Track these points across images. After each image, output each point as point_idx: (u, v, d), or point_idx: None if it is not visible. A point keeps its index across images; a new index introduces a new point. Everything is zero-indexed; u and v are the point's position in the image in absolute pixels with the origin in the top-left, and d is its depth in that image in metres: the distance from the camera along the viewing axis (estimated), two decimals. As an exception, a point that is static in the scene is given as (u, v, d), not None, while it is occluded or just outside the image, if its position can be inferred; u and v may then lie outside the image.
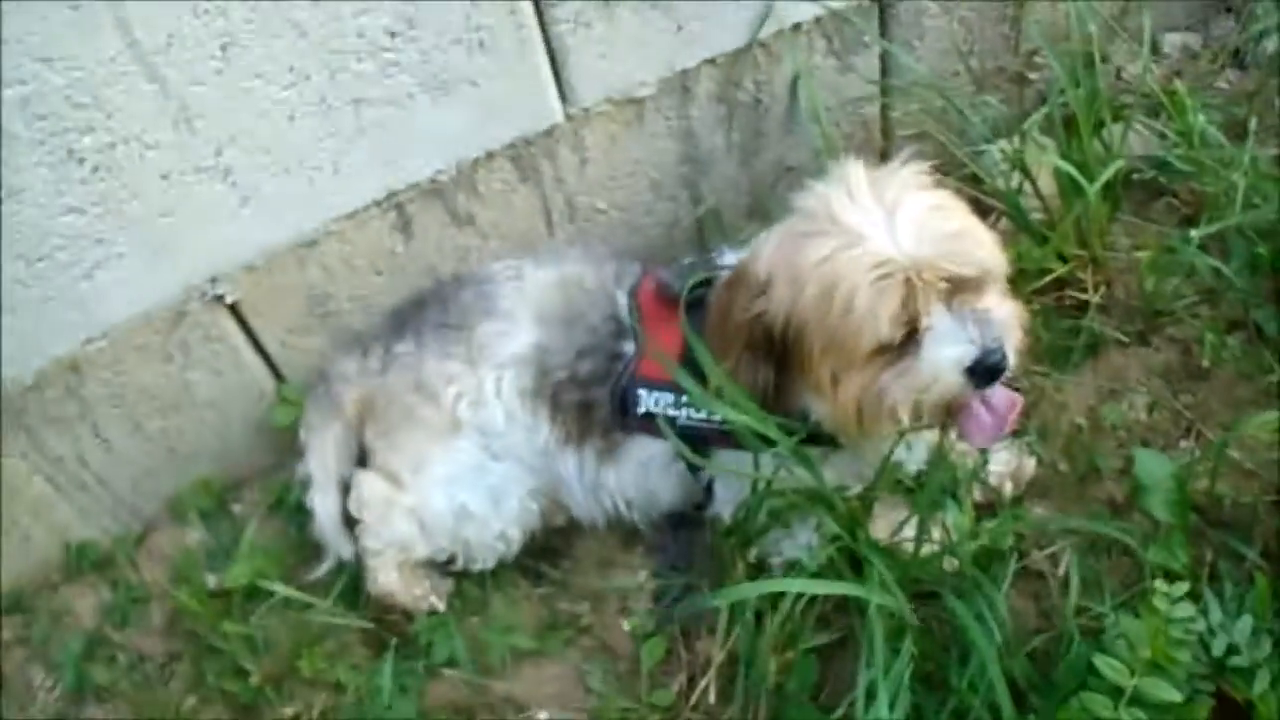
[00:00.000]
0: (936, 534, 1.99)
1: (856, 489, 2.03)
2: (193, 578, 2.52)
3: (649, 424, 2.14)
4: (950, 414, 1.89)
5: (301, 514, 2.51)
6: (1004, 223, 2.57)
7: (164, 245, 2.27)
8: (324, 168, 2.29)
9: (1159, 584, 1.69)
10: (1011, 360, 1.82)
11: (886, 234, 1.79)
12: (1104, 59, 2.81)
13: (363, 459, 2.43)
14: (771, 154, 2.73)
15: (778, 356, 1.92)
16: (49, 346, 2.31)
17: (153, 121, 2.10)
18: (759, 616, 2.04)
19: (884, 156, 2.66)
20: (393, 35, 2.17)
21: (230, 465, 2.70)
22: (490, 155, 2.43)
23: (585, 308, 2.26)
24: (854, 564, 1.98)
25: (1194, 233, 2.35)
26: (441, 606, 2.41)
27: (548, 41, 2.32)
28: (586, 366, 2.22)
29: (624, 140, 2.55)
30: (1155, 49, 3.04)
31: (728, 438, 2.00)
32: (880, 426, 1.88)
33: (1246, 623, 1.76)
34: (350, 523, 2.41)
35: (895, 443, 1.94)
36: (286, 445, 2.54)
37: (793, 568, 2.06)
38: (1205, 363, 2.35)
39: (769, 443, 1.92)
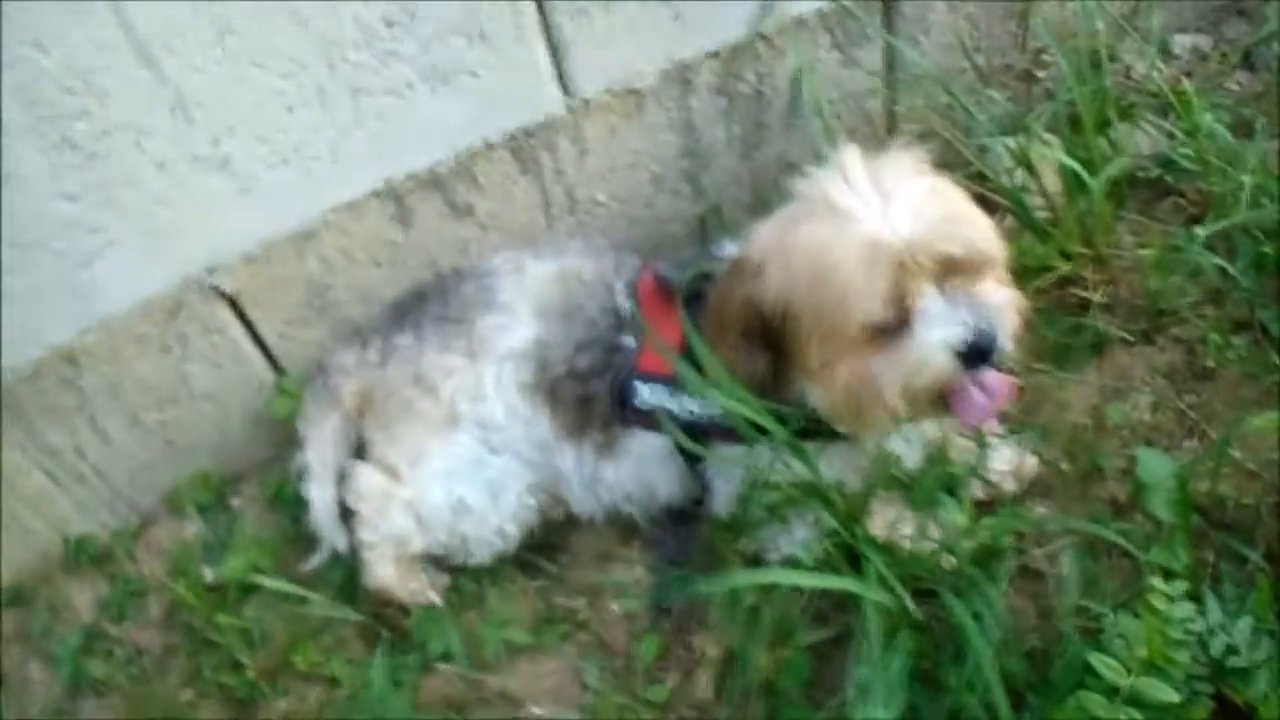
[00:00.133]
0: (935, 531, 1.96)
1: (855, 483, 2.00)
2: (189, 571, 2.51)
3: (647, 418, 2.13)
4: (943, 401, 1.86)
5: (299, 506, 2.49)
6: (1009, 220, 2.55)
7: (161, 235, 2.26)
8: (322, 158, 2.28)
9: (1157, 583, 1.68)
10: (1005, 344, 1.80)
11: (880, 215, 1.78)
12: (1112, 58, 2.79)
13: (361, 451, 2.41)
14: (774, 148, 2.71)
15: (773, 343, 1.90)
16: (46, 336, 2.30)
17: (148, 109, 2.09)
18: (755, 613, 2.02)
19: (887, 151, 2.64)
20: (391, 25, 2.16)
21: (228, 458, 2.69)
22: (490, 146, 2.42)
23: (584, 301, 2.25)
24: (851, 560, 1.95)
25: (1199, 230, 2.32)
26: (438, 601, 2.39)
27: (547, 32, 2.31)
28: (585, 360, 2.21)
29: (624, 132, 2.53)
30: (1165, 49, 3.02)
31: (726, 432, 1.99)
32: (874, 413, 1.85)
33: (1246, 623, 1.73)
34: (346, 515, 2.40)
35: (889, 435, 1.93)
36: (285, 438, 2.53)
37: (790, 564, 2.04)
38: (1210, 363, 2.32)
39: (765, 434, 1.91)
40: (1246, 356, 2.30)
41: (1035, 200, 2.49)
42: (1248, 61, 2.97)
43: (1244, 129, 2.61)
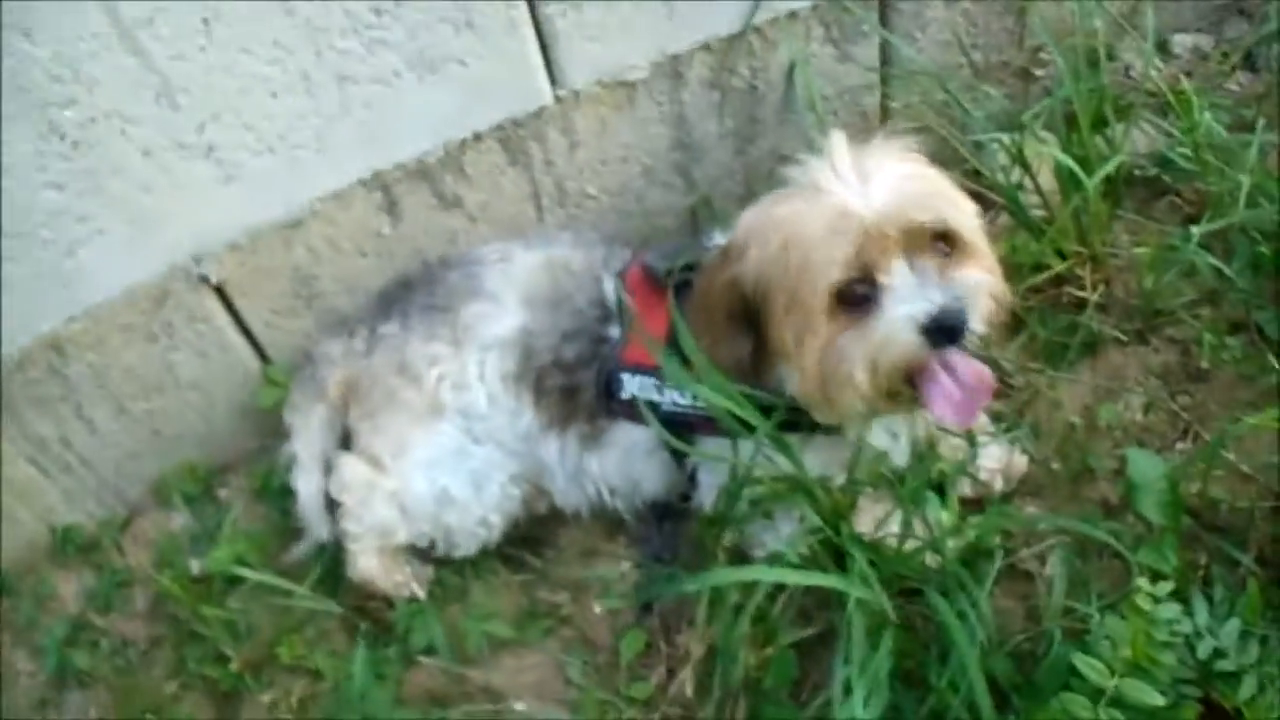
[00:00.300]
0: (921, 529, 1.93)
1: (840, 479, 1.96)
2: (175, 563, 2.49)
3: (633, 409, 2.09)
4: (913, 384, 1.81)
5: (286, 498, 2.47)
6: (1004, 218, 2.52)
7: (147, 223, 2.23)
8: (308, 146, 2.25)
9: (1143, 583, 1.64)
10: (974, 326, 1.76)
11: (854, 190, 1.76)
12: (1111, 57, 2.75)
13: (348, 442, 2.39)
14: (767, 143, 2.67)
15: (754, 326, 1.88)
16: (31, 324, 2.28)
17: (134, 96, 2.07)
18: (740, 610, 1.99)
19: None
20: (379, 12, 2.13)
21: (215, 448, 2.67)
22: (478, 137, 2.39)
23: (572, 290, 2.22)
24: (837, 557, 1.92)
25: (1194, 229, 2.28)
26: (422, 594, 2.36)
27: (536, 22, 2.28)
28: (571, 350, 2.18)
29: (615, 124, 2.50)
30: (1165, 49, 2.98)
31: (713, 424, 1.94)
32: (843, 396, 1.81)
33: (1234, 626, 1.69)
34: (332, 505, 2.37)
35: (868, 426, 1.90)
36: (272, 429, 2.50)
37: (775, 560, 2.01)
38: (1204, 364, 2.28)
39: (749, 427, 1.88)
40: (1241, 358, 2.25)
41: (1031, 199, 2.44)
42: (1249, 62, 2.93)
43: (1244, 129, 2.55)
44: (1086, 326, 2.37)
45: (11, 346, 2.29)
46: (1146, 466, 1.99)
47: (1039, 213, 2.45)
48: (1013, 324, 2.43)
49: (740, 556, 2.14)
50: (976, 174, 2.47)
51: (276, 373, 2.56)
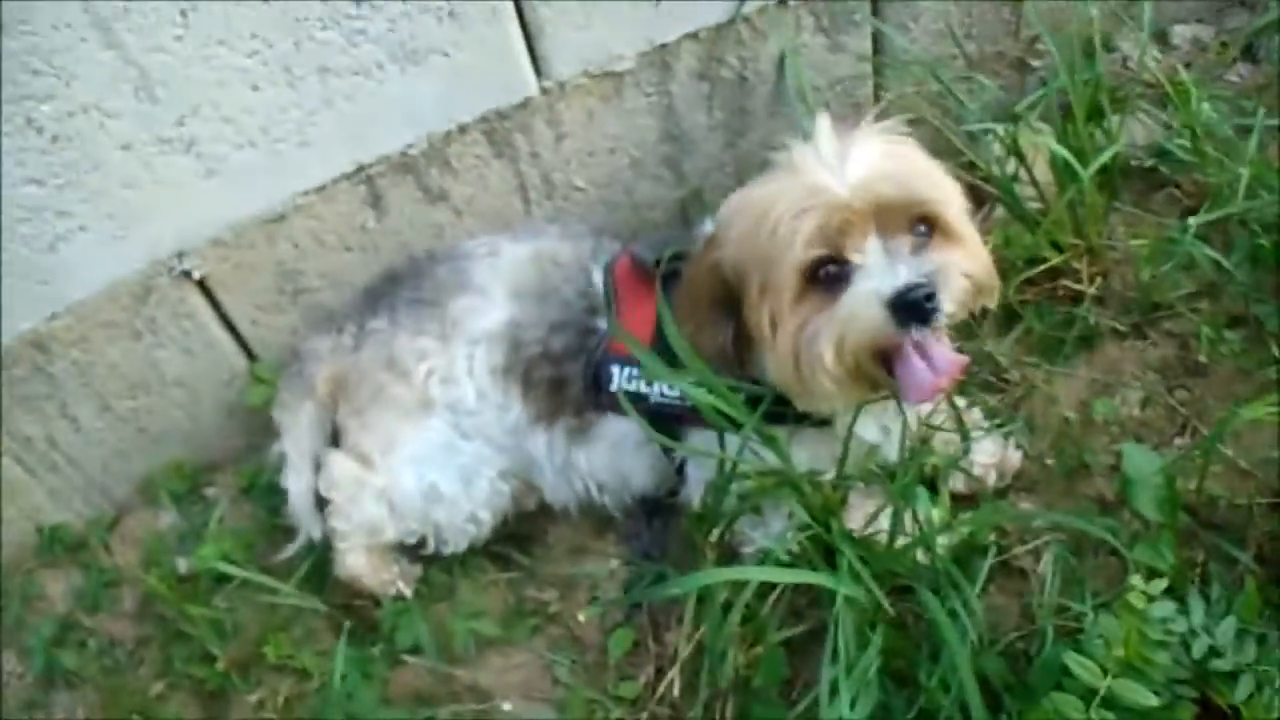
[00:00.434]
0: (912, 525, 1.87)
1: (831, 474, 1.91)
2: (162, 561, 2.45)
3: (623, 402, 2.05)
4: (886, 366, 1.76)
5: (274, 496, 2.43)
6: (999, 211, 2.46)
7: (128, 218, 2.19)
8: (290, 139, 2.21)
9: (1136, 581, 1.58)
10: (945, 305, 1.70)
11: (829, 169, 1.72)
12: (1110, 47, 2.71)
13: (337, 439, 2.34)
14: (758, 134, 2.61)
15: (735, 312, 1.84)
16: (13, 321, 2.24)
17: (112, 89, 2.03)
18: (728, 608, 1.94)
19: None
20: (359, 2, 2.08)
21: (203, 447, 2.63)
22: (462, 129, 2.34)
23: (559, 283, 2.18)
24: (828, 554, 1.87)
25: (1192, 221, 2.22)
26: (409, 592, 2.31)
27: (520, 12, 2.23)
28: (559, 342, 2.14)
29: (602, 116, 2.44)
30: (1165, 40, 2.91)
31: (701, 417, 1.89)
32: (817, 379, 1.75)
33: (1230, 625, 1.64)
34: (323, 504, 2.32)
35: (850, 414, 1.85)
36: (260, 427, 2.45)
37: (765, 558, 1.96)
38: (1203, 358, 2.21)
39: (734, 420, 1.83)
40: (1240, 352, 2.19)
41: (1027, 191, 2.39)
42: (1249, 53, 2.86)
43: (1244, 121, 2.49)
44: (1083, 320, 2.32)
45: (-5, 343, 2.26)
46: (1142, 462, 1.93)
47: (1035, 205, 2.39)
48: (1008, 317, 2.39)
49: (730, 553, 2.09)
50: (972, 166, 2.41)
51: (263, 370, 2.52)
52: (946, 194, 1.80)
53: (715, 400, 1.82)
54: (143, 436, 2.54)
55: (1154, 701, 1.53)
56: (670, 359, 1.85)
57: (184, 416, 2.55)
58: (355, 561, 2.29)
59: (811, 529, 1.88)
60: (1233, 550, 1.88)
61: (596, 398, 2.11)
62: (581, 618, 2.25)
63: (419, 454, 2.24)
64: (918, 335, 1.70)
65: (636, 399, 2.02)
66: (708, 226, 2.05)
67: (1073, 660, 1.58)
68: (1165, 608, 1.59)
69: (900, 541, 1.85)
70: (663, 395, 2.01)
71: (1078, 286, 2.37)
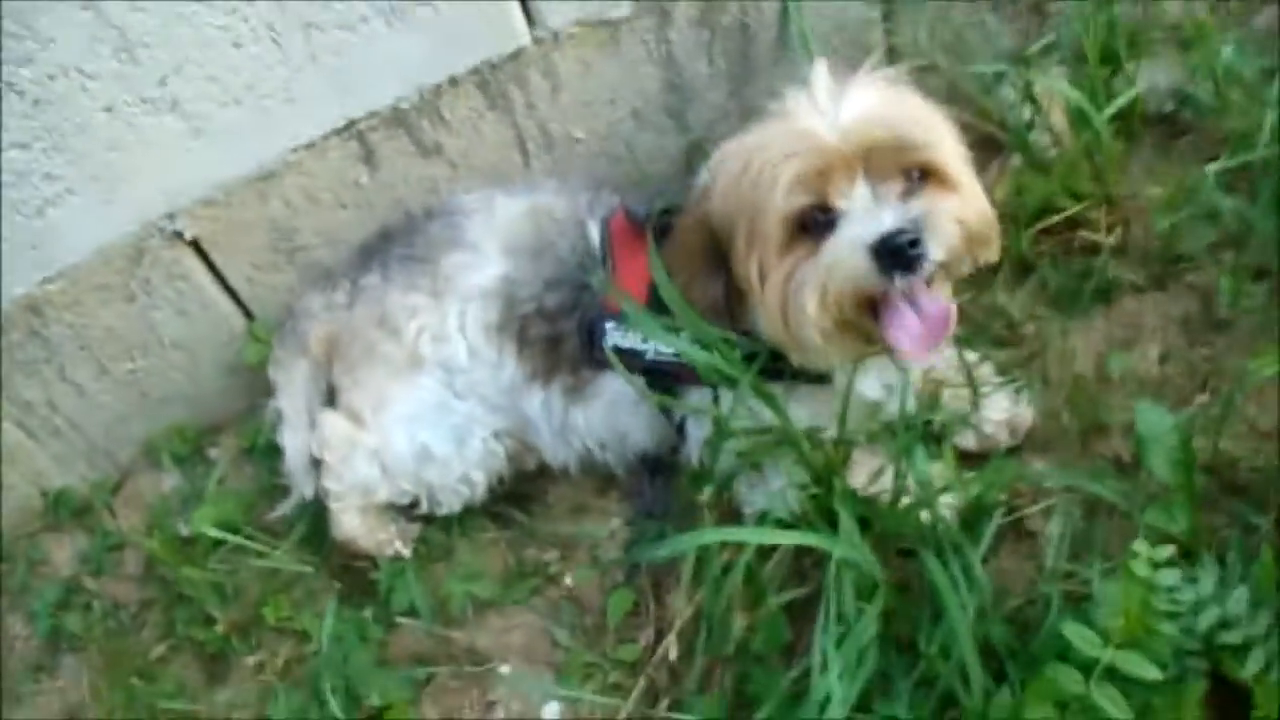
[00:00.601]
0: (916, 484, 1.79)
1: (831, 431, 1.84)
2: (164, 525, 2.43)
3: (619, 359, 1.97)
4: (876, 317, 1.69)
5: (275, 456, 2.39)
6: (1015, 159, 2.35)
7: (115, 180, 2.15)
8: (276, 96, 2.15)
9: (1140, 547, 1.50)
10: (934, 253, 1.63)
11: (821, 114, 1.65)
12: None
13: (333, 398, 2.30)
14: (763, 82, 2.48)
15: (726, 265, 1.77)
16: (6, 286, 2.22)
17: (91, 51, 1.99)
18: (729, 569, 1.88)
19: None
20: (339, -45, 2.02)
21: (204, 409, 2.60)
22: (454, 81, 2.26)
23: (554, 238, 2.12)
24: (831, 514, 1.79)
25: (1210, 168, 2.10)
26: (406, 552, 2.27)
27: (509, -40, 2.15)
28: (554, 299, 2.08)
29: (599, 66, 2.35)
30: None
31: (697, 373, 1.83)
32: (804, 330, 1.69)
33: (1243, 595, 1.55)
34: (318, 462, 2.28)
35: (845, 368, 1.79)
36: (262, 387, 2.41)
37: (764, 518, 1.89)
38: (1225, 312, 2.10)
39: (729, 377, 1.77)
40: (1265, 305, 2.07)
41: (1044, 139, 2.28)
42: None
43: (1270, 66, 2.36)
44: (1100, 272, 2.20)
45: (-11, 309, 2.23)
46: (1157, 420, 1.82)
47: (1053, 153, 2.29)
48: (1022, 269, 2.29)
49: (732, 513, 2.03)
50: (986, 114, 2.30)
51: (260, 329, 2.48)
52: (941, 139, 1.72)
53: (708, 358, 1.75)
54: (143, 399, 2.51)
55: (1157, 675, 1.45)
56: (665, 315, 1.79)
57: (184, 378, 2.52)
58: (350, 522, 2.25)
59: (811, 488, 1.81)
60: (1251, 515, 1.77)
61: (592, 355, 2.04)
62: (569, 581, 2.20)
63: (410, 413, 2.19)
64: (903, 284, 1.63)
65: (632, 356, 1.95)
66: (703, 177, 1.98)
67: (1072, 630, 1.50)
68: (1171, 576, 1.50)
69: (904, 502, 1.78)
70: (658, 352, 1.94)
71: (1095, 237, 2.25)
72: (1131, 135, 2.31)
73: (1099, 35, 2.24)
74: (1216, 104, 2.29)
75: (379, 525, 2.28)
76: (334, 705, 2.07)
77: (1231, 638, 1.52)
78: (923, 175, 1.69)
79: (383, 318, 2.19)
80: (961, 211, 1.68)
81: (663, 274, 1.80)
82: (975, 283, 2.16)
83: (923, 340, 1.66)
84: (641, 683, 2.02)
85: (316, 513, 2.34)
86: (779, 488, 1.91)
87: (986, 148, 2.32)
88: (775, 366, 1.82)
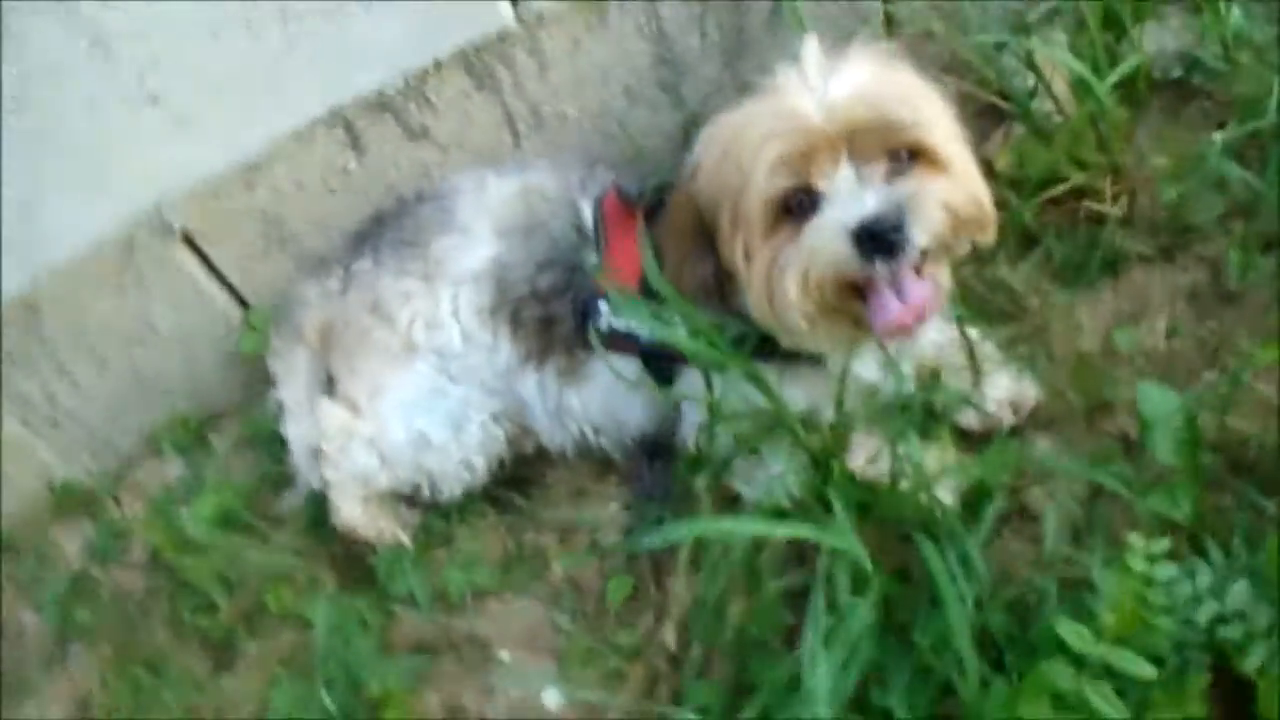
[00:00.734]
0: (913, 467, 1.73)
1: (825, 412, 1.78)
2: (167, 514, 2.42)
3: (614, 340, 1.95)
4: (861, 298, 1.64)
5: (277, 444, 2.37)
6: (1018, 128, 2.25)
7: (101, 176, 2.15)
8: (257, 86, 2.12)
9: (1135, 540, 1.44)
10: (918, 237, 1.56)
11: (808, 92, 1.58)
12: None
13: (332, 386, 2.28)
14: (758, 54, 2.40)
15: (715, 246, 1.72)
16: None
17: (67, 49, 1.96)
18: (726, 555, 1.84)
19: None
20: (311, -59, 1.96)
21: (205, 398, 2.59)
22: (438, 64, 2.21)
23: (546, 218, 2.07)
24: (829, 500, 1.73)
25: (1218, 136, 2.00)
26: (407, 540, 2.24)
27: (487, -60, 2.08)
28: (547, 280, 2.04)
29: (588, 43, 2.28)
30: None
31: None
32: (788, 315, 1.64)
33: (1243, 588, 1.49)
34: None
35: (848, 354, 1.73)
36: (262, 375, 2.40)
37: (760, 505, 1.84)
38: (1234, 285, 2.01)
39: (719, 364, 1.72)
40: (1273, 277, 1.98)
41: (1047, 106, 2.19)
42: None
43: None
44: (1107, 243, 2.12)
45: (-17, 307, 2.22)
46: (1160, 401, 1.74)
47: (1057, 120, 2.19)
48: (1026, 241, 2.21)
49: (729, 498, 1.98)
50: (986, 83, 2.21)
51: (257, 317, 2.46)
52: (932, 118, 1.64)
53: (696, 346, 1.70)
54: (143, 390, 2.51)
55: (1151, 673, 1.40)
56: (658, 297, 1.73)
57: (182, 368, 2.51)
58: (350, 511, 2.22)
59: (809, 473, 1.76)
60: (1258, 498, 1.70)
61: (586, 336, 1.99)
62: (569, 566, 2.16)
63: (406, 400, 2.16)
64: (885, 269, 1.57)
65: (628, 338, 1.92)
66: (694, 154, 1.92)
67: (1066, 627, 1.45)
68: (1169, 570, 1.44)
69: (903, 485, 1.72)
70: (652, 333, 1.90)
71: (1101, 207, 2.16)
72: (1138, 101, 2.20)
73: (1100, -1, 2.13)
74: (1226, 68, 2.18)
75: (380, 513, 2.25)
76: (328, 701, 2.06)
77: (1232, 632, 1.47)
78: (912, 155, 1.62)
79: (375, 304, 2.15)
80: (950, 194, 1.61)
81: (651, 260, 1.74)
82: (977, 256, 2.06)
83: (898, 322, 1.61)
84: (641, 670, 1.99)
85: (319, 501, 2.31)
86: (776, 473, 1.85)
87: (988, 117, 2.25)
88: (769, 347, 1.77)
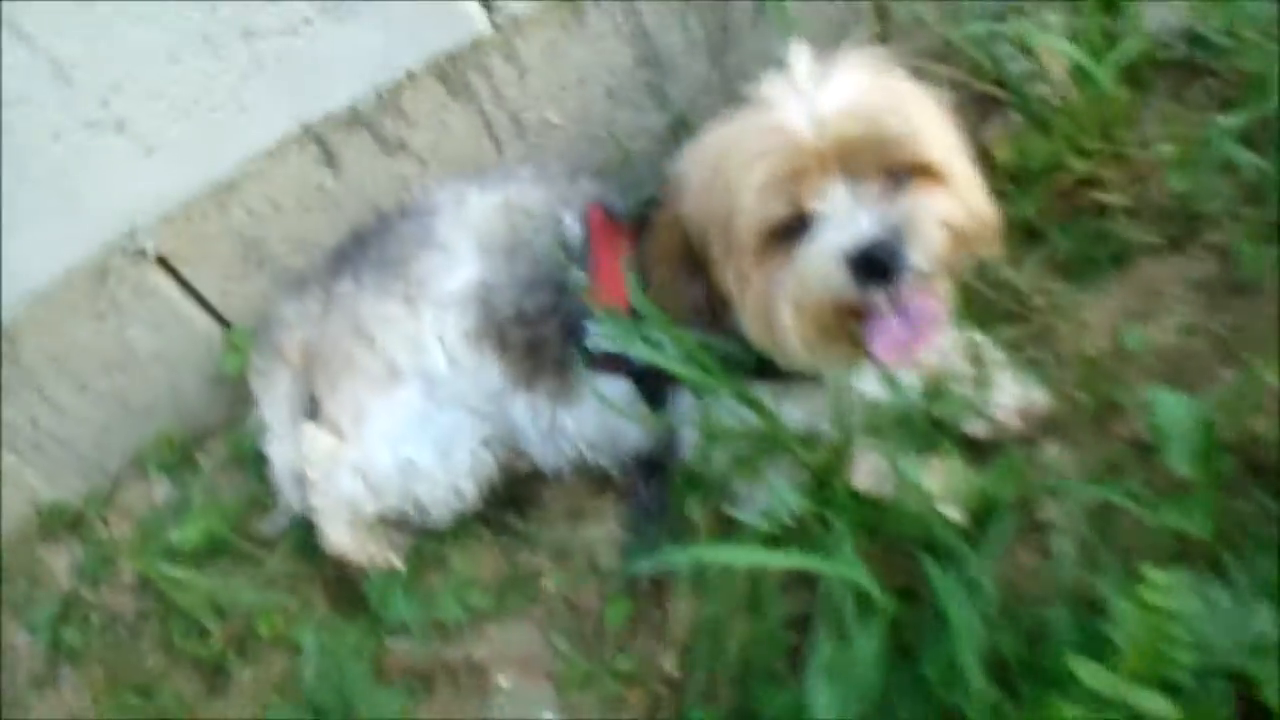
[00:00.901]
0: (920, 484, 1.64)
1: (824, 430, 1.70)
2: (156, 537, 2.35)
3: (604, 361, 1.86)
4: (860, 320, 1.54)
5: (263, 463, 2.28)
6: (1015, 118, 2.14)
7: (73, 203, 2.08)
8: (225, 107, 2.03)
9: (1151, 573, 1.34)
10: (915, 260, 1.46)
11: (797, 106, 1.48)
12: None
13: (315, 406, 2.19)
14: (745, 49, 2.29)
15: (705, 269, 1.63)
16: (-25, 315, 2.14)
17: (29, 79, 1.89)
18: (725, 578, 1.76)
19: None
20: (270, -44, 1.86)
21: (190, 418, 2.52)
22: (411, 76, 2.11)
23: (530, 235, 1.96)
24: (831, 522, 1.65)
25: (1221, 119, 1.88)
26: (399, 564, 2.16)
27: (456, -54, 1.97)
28: (533, 301, 1.94)
29: (564, 46, 2.17)
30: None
31: None
32: (785, 340, 1.56)
33: (1268, 615, 1.39)
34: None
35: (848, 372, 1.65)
36: (245, 395, 2.30)
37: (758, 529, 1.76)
38: (1246, 275, 1.90)
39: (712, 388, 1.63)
40: (1287, 267, 1.87)
41: (1045, 91, 2.07)
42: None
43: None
44: (1114, 235, 2.00)
45: (-42, 337, 2.16)
46: (1175, 409, 1.63)
47: (1057, 105, 2.07)
48: (1030, 236, 2.09)
49: (728, 518, 1.88)
50: (982, 71, 2.09)
51: (238, 337, 2.38)
52: (927, 128, 1.53)
53: (688, 370, 1.61)
54: (128, 412, 2.45)
55: (1170, 713, 1.31)
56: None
57: (166, 390, 2.45)
58: (339, 537, 2.14)
59: (810, 494, 1.66)
60: (1277, 507, 1.59)
61: (577, 356, 1.91)
62: (565, 588, 2.08)
63: (391, 427, 2.07)
64: (881, 294, 1.48)
65: (618, 358, 1.81)
66: (678, 169, 1.80)
67: (1082, 667, 1.36)
68: (1190, 600, 1.35)
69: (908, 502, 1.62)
70: (642, 356, 1.80)
71: (1106, 197, 2.04)
72: (1140, 83, 2.08)
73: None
74: (1231, 44, 2.05)
75: (369, 538, 2.17)
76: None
77: (1255, 663, 1.38)
78: (910, 170, 1.51)
79: (357, 327, 2.06)
80: (950, 211, 1.51)
81: (637, 287, 1.65)
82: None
83: (902, 341, 1.52)
84: (641, 695, 1.91)
85: (307, 523, 2.22)
86: (775, 494, 1.76)
87: (983, 106, 2.13)
88: (766, 366, 1.68)
